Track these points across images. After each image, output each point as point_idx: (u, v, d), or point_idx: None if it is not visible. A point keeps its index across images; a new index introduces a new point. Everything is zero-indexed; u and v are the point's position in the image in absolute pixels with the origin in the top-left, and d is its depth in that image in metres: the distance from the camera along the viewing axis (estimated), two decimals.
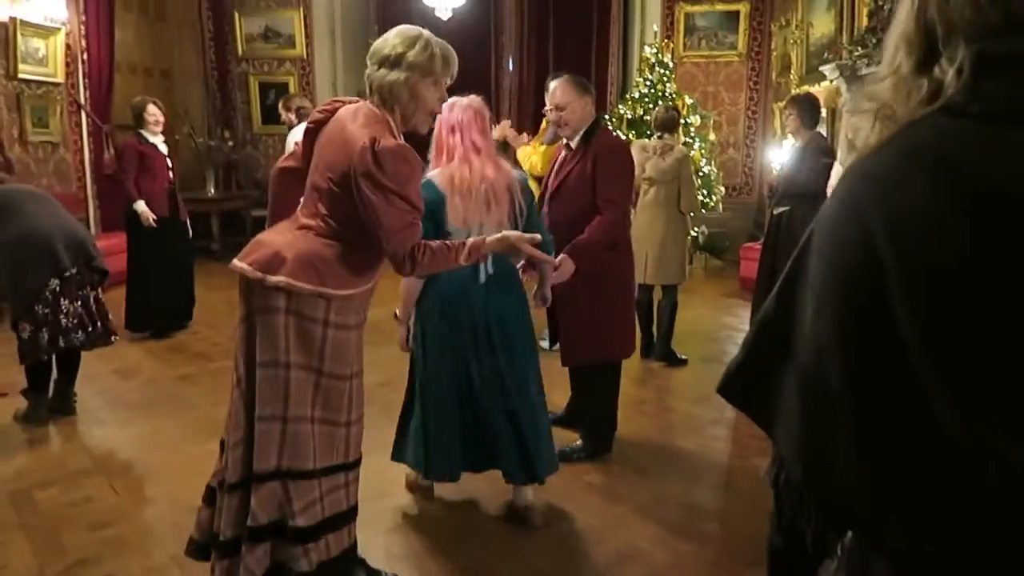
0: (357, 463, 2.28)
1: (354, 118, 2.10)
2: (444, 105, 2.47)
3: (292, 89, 9.73)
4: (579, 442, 3.46)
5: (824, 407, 0.93)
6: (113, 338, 3.99)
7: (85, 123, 7.53)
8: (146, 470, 3.34)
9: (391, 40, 2.11)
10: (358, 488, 2.30)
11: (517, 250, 2.19)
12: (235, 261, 2.12)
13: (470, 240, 2.16)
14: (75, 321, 3.73)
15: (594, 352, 3.33)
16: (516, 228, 2.61)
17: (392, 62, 2.08)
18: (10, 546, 2.68)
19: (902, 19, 0.96)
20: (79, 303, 3.75)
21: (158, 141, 5.47)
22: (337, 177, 2.05)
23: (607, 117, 8.67)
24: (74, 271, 3.71)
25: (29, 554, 2.63)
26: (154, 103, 5.45)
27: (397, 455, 2.98)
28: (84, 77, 7.44)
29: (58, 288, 3.65)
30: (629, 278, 3.47)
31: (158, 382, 4.53)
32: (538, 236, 2.25)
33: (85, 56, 7.40)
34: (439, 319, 2.72)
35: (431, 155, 2.76)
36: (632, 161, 3.38)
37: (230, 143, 9.53)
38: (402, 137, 2.13)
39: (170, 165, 5.50)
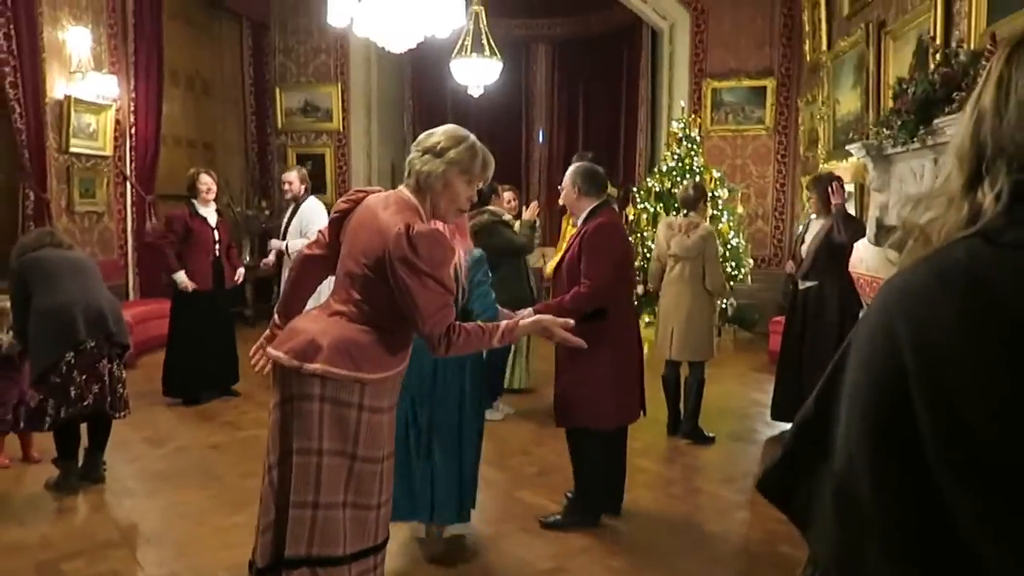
0: (385, 543, 2.32)
1: (386, 206, 2.20)
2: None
3: (329, 160, 10.05)
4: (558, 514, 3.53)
5: (854, 513, 0.94)
6: (123, 413, 4.01)
7: (130, 193, 7.82)
8: (172, 542, 3.36)
9: (439, 135, 2.27)
10: (384, 567, 2.32)
11: (551, 334, 2.29)
12: (270, 349, 2.20)
13: (504, 323, 2.24)
14: (84, 392, 3.80)
15: (580, 416, 3.45)
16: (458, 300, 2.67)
17: (436, 153, 2.22)
18: None
19: (959, 133, 0.95)
20: (92, 376, 3.83)
21: (209, 212, 5.67)
22: (372, 263, 2.13)
23: (635, 190, 8.79)
24: (91, 344, 3.81)
25: None
26: (207, 173, 5.69)
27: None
28: (131, 150, 7.76)
29: (72, 360, 3.75)
30: (626, 348, 3.46)
31: (188, 451, 4.58)
32: (571, 321, 2.35)
33: (133, 130, 7.74)
34: None
35: None
36: (617, 239, 3.43)
37: (267, 212, 9.80)
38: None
39: (217, 238, 5.67)
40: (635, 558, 3.24)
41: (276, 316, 2.45)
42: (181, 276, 5.51)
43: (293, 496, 2.12)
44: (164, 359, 5.65)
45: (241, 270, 5.84)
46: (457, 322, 2.16)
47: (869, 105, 6.51)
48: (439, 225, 2.23)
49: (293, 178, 6.08)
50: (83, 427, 3.98)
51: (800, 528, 1.14)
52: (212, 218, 5.69)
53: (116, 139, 7.55)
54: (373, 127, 10.13)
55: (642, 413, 3.64)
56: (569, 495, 3.55)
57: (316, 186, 9.80)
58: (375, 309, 2.16)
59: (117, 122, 7.52)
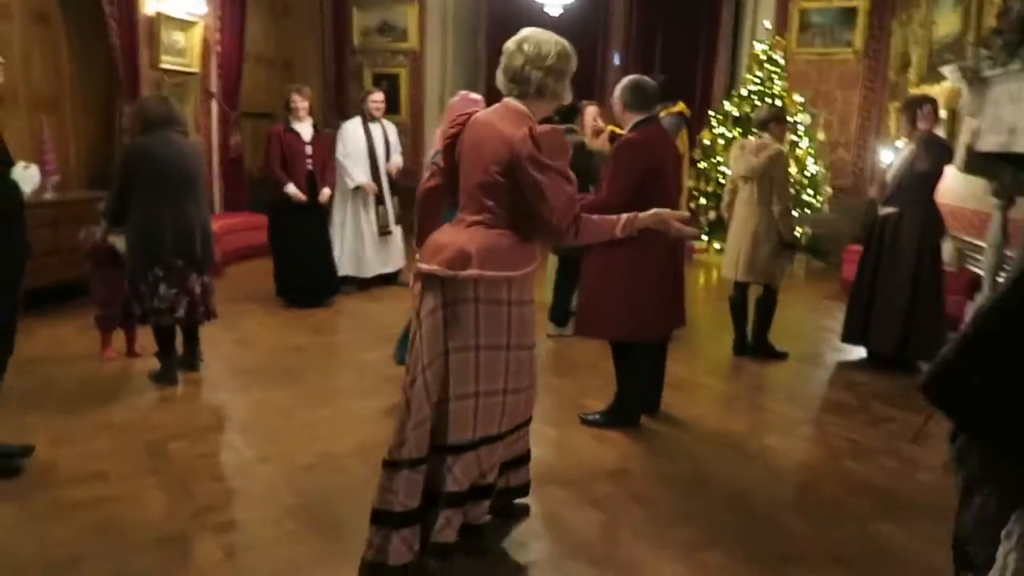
0: (530, 419, 2.67)
1: (501, 117, 2.41)
2: (458, 95, 3.44)
3: (404, 80, 10.11)
4: (599, 410, 3.78)
5: None
6: (211, 320, 4.36)
7: (215, 110, 8.09)
8: (263, 431, 3.64)
9: (551, 49, 2.40)
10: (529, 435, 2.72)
11: (668, 225, 2.51)
12: (421, 264, 2.42)
13: (625, 215, 2.45)
14: (174, 305, 4.12)
15: (602, 329, 3.63)
16: None
17: (557, 72, 2.40)
18: (146, 491, 3.00)
19: None
20: (182, 290, 4.13)
21: (303, 127, 5.88)
22: (502, 168, 2.33)
23: (712, 114, 8.59)
24: (179, 262, 4.10)
25: (164, 498, 2.95)
26: (298, 91, 5.88)
27: None
28: (217, 67, 7.98)
29: (162, 275, 4.07)
30: (648, 263, 3.46)
31: (274, 353, 4.87)
32: (686, 213, 2.65)
33: (219, 48, 7.94)
34: None
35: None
36: (641, 158, 3.39)
37: None
38: None
39: (310, 152, 5.86)
40: (695, 465, 3.37)
41: (418, 252, 2.61)
42: (292, 188, 5.75)
43: (456, 389, 2.36)
44: (274, 269, 6.02)
45: (326, 191, 5.99)
46: (581, 213, 2.37)
47: (970, 26, 6.16)
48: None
49: (382, 98, 6.53)
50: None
51: (963, 427, 1.23)
52: (307, 133, 5.88)
53: (203, 56, 7.77)
54: (448, 48, 10.11)
55: (672, 332, 3.84)
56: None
57: (391, 106, 9.96)
58: (509, 212, 2.37)
59: (204, 40, 7.73)
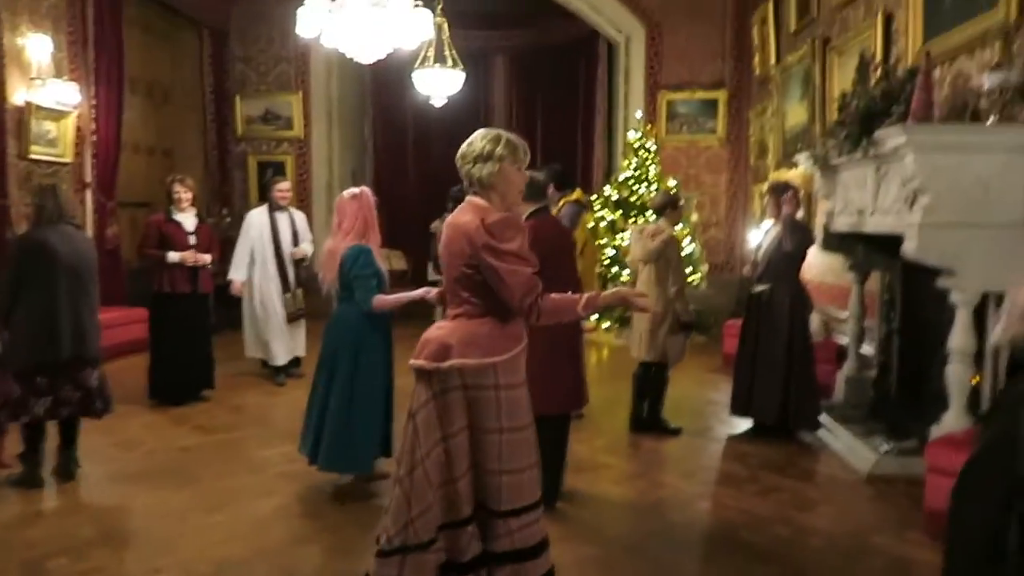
0: (540, 501, 2.62)
1: (463, 213, 2.55)
2: (350, 193, 3.93)
3: (290, 168, 10.08)
4: None
5: None
6: (109, 412, 4.19)
7: (90, 200, 7.76)
8: (154, 541, 3.41)
9: (478, 142, 2.57)
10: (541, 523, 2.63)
11: (629, 302, 2.68)
12: (411, 360, 2.57)
13: (588, 294, 2.57)
14: (67, 397, 3.96)
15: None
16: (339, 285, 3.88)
17: (485, 157, 2.54)
18: None
19: None
20: (75, 384, 3.98)
21: (185, 218, 5.75)
22: (467, 261, 2.48)
23: (594, 198, 9.03)
24: (74, 359, 3.94)
25: None
26: (179, 181, 5.78)
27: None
28: (92, 157, 7.71)
29: (55, 371, 3.90)
30: (561, 339, 3.55)
31: (161, 454, 4.61)
32: (645, 292, 3.00)
33: (94, 137, 7.69)
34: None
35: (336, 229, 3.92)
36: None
37: (227, 219, 9.78)
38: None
39: (192, 242, 5.71)
40: (608, 548, 3.41)
41: None
42: (174, 255, 5.58)
43: (453, 472, 2.48)
44: (149, 365, 5.74)
45: (207, 257, 5.76)
46: (544, 294, 2.47)
47: (815, 117, 6.85)
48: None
49: (288, 187, 6.63)
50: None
51: None
52: (189, 223, 5.75)
53: (77, 146, 7.49)
54: (334, 135, 10.21)
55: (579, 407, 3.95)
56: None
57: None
58: (485, 301, 2.50)
59: (78, 129, 7.47)
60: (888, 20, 5.49)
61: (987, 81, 3.84)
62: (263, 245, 6.31)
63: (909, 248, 3.95)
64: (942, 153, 3.83)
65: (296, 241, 6.44)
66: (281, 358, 6.45)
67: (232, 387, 6.17)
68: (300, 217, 6.65)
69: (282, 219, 6.40)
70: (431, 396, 2.49)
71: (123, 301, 7.77)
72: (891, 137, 4.02)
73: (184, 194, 5.70)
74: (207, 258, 5.77)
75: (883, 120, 4.28)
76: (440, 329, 2.56)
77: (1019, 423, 2.10)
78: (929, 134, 3.89)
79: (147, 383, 5.73)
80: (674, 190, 8.39)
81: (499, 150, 2.53)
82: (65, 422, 4.08)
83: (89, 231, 7.73)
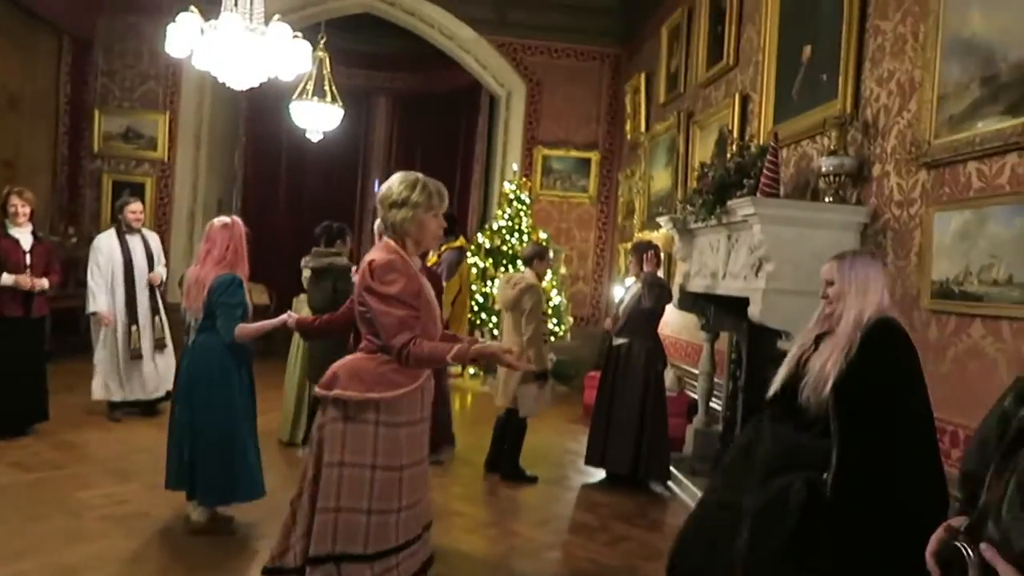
0: (408, 544, 2.63)
1: (372, 252, 2.63)
2: (221, 221, 3.77)
3: (150, 190, 9.54)
4: None
5: None
6: None
7: None
8: None
9: (395, 187, 2.65)
10: (409, 565, 2.64)
11: (498, 360, 2.71)
12: (316, 388, 2.66)
13: (458, 345, 2.60)
14: None
15: None
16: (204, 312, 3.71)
17: (400, 203, 2.62)
18: None
19: None
20: None
21: (22, 234, 5.28)
22: (359, 299, 2.58)
23: (470, 246, 9.08)
24: None
25: None
26: (18, 194, 5.30)
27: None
28: None
29: None
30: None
31: None
32: (514, 349, 3.07)
33: None
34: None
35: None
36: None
37: (74, 239, 9.09)
38: (416, 258, 2.69)
39: (29, 262, 5.25)
40: None
41: None
42: (6, 276, 5.09)
43: (320, 502, 2.50)
44: None
45: (44, 282, 5.31)
46: (417, 339, 2.52)
47: (678, 183, 7.24)
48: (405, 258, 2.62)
49: (140, 208, 6.17)
50: None
51: None
52: (26, 241, 5.28)
53: None
54: (202, 160, 9.77)
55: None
56: None
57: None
58: (377, 337, 2.56)
59: None
60: (745, 102, 5.92)
61: (824, 164, 4.20)
62: (113, 271, 5.84)
63: (754, 311, 4.20)
64: (784, 226, 4.13)
65: (151, 266, 6.04)
66: (127, 394, 5.92)
67: (64, 421, 5.63)
68: (154, 239, 6.23)
69: (134, 242, 5.98)
70: (323, 422, 2.58)
71: None
72: (741, 207, 4.29)
73: (21, 208, 5.24)
74: (44, 283, 5.31)
75: (736, 191, 4.57)
76: (341, 361, 2.64)
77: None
78: (774, 208, 4.18)
79: None
80: (545, 242, 8.59)
81: (414, 196, 2.61)
82: None
83: None
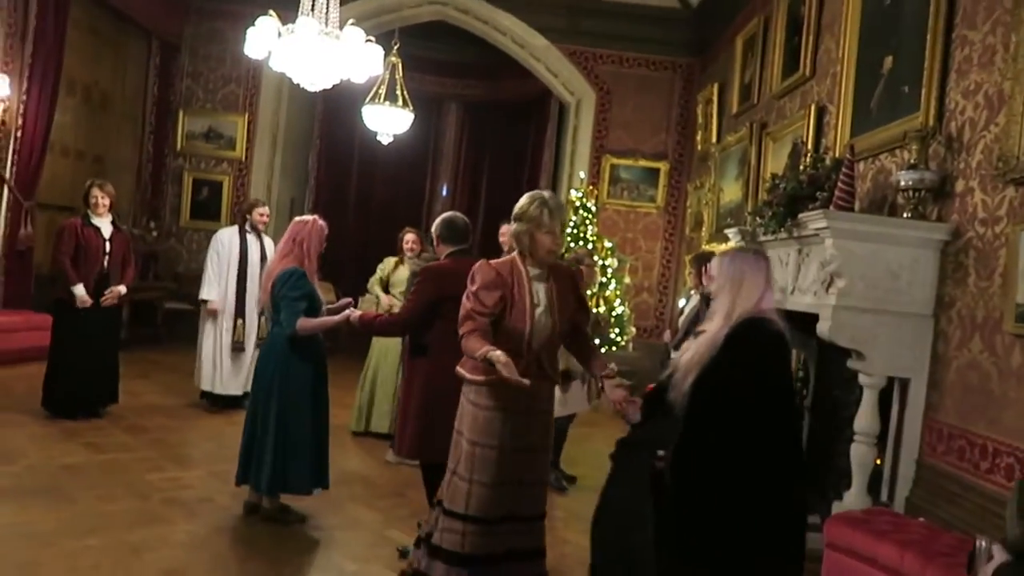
0: (483, 521, 2.91)
1: None
2: (301, 219, 3.99)
3: (227, 188, 9.87)
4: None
5: None
6: None
7: (6, 197, 7.42)
8: (12, 563, 3.15)
9: (522, 201, 2.97)
10: (483, 542, 2.92)
11: (504, 379, 2.76)
12: None
13: (487, 348, 2.78)
14: None
15: (401, 446, 3.68)
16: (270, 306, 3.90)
17: (518, 217, 2.95)
18: None
19: None
20: None
21: (102, 223, 5.51)
22: None
23: None
24: None
25: None
26: (98, 186, 5.53)
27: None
28: (14, 153, 7.39)
29: None
30: (436, 385, 3.45)
31: (39, 470, 4.32)
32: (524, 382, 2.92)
33: (19, 133, 7.39)
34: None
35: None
36: (425, 281, 3.58)
37: (154, 233, 9.48)
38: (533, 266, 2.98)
39: (108, 250, 5.48)
40: None
41: None
42: (79, 290, 5.31)
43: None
44: (45, 375, 5.43)
45: (120, 288, 5.57)
46: (474, 332, 2.85)
47: (748, 195, 7.08)
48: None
49: (267, 211, 6.41)
50: None
51: None
52: (106, 229, 5.51)
53: None
54: (277, 161, 10.05)
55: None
56: (420, 523, 3.59)
57: (212, 213, 9.67)
58: None
59: (2, 123, 7.17)
60: (820, 113, 5.76)
61: (904, 179, 4.03)
62: (229, 267, 6.05)
63: (823, 328, 4.06)
64: (858, 241, 3.98)
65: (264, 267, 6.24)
66: (225, 387, 6.06)
67: (137, 407, 5.86)
68: (271, 244, 6.32)
69: (253, 243, 6.15)
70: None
71: (28, 305, 7.39)
72: (813, 221, 4.16)
73: (101, 199, 5.47)
74: (122, 290, 5.56)
75: (808, 204, 4.44)
76: None
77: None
78: (848, 222, 4.04)
79: (42, 392, 5.41)
80: (609, 252, 8.52)
81: (531, 211, 2.91)
82: None
83: (0, 229, 7.39)
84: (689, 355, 2.42)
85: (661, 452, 2.35)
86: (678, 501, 2.25)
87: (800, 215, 4.36)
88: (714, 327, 2.40)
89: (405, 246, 5.89)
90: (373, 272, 6.06)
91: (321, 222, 3.99)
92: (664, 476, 2.29)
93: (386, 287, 5.92)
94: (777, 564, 2.22)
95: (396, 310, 3.78)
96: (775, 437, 2.30)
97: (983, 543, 1.70)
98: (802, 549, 2.34)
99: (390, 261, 6.00)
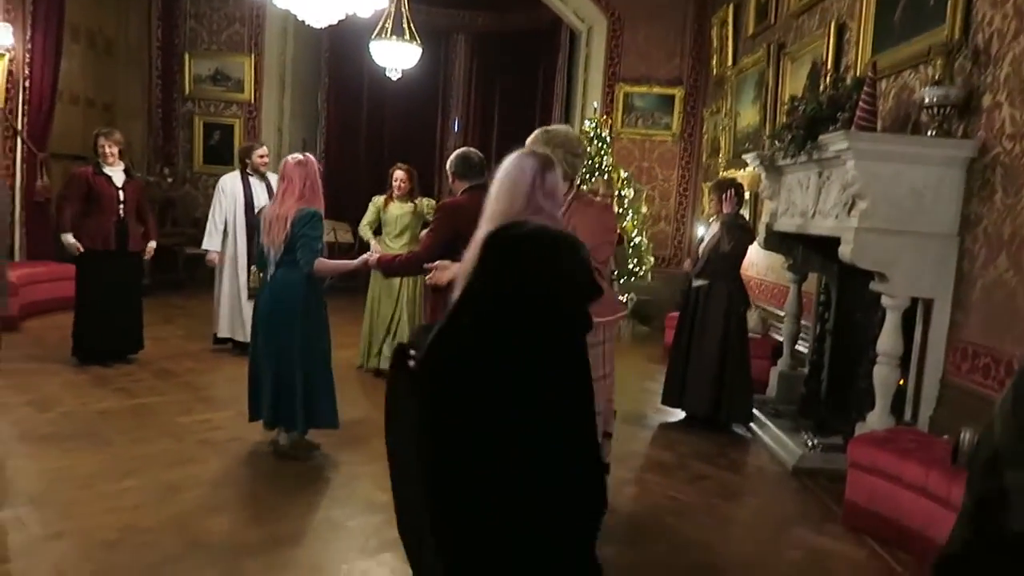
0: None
1: None
2: (295, 159, 3.87)
3: (238, 132, 9.80)
4: None
5: None
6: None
7: (20, 149, 7.42)
8: (57, 504, 3.27)
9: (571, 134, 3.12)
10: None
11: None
12: None
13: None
14: None
15: None
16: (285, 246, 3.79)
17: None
18: None
19: None
20: None
21: (115, 171, 5.50)
22: None
23: None
24: None
25: None
26: (105, 135, 5.50)
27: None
28: (24, 104, 7.36)
29: None
30: None
31: (76, 416, 4.43)
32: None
33: (27, 83, 7.34)
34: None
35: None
36: (444, 217, 3.56)
37: (169, 180, 9.48)
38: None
39: (122, 198, 5.49)
40: None
41: None
42: (68, 238, 5.37)
43: None
44: (73, 323, 5.53)
45: (152, 244, 5.69)
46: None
47: (766, 119, 6.93)
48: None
49: (267, 152, 6.31)
50: None
51: None
52: (118, 178, 5.51)
53: (8, 91, 7.14)
54: (286, 101, 9.94)
55: None
56: None
57: (225, 157, 9.63)
58: None
59: (9, 73, 7.12)
60: (840, 31, 5.56)
61: (928, 96, 3.92)
62: (236, 213, 6.02)
63: (845, 251, 4.02)
64: (881, 161, 3.90)
65: None
66: (247, 333, 6.08)
67: (164, 352, 5.98)
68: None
69: (258, 186, 6.09)
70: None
71: (51, 256, 7.47)
72: (834, 142, 4.07)
73: (109, 149, 5.44)
74: (152, 245, 5.68)
75: (828, 126, 4.34)
76: None
77: None
78: (870, 142, 3.95)
79: (72, 341, 5.52)
80: (625, 182, 8.42)
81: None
82: None
83: (17, 181, 7.41)
84: (461, 264, 2.29)
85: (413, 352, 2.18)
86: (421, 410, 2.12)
87: (820, 137, 4.27)
88: (479, 233, 2.24)
89: (394, 183, 5.81)
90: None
91: (314, 160, 3.96)
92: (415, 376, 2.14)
93: (379, 227, 5.91)
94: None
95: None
96: (519, 343, 2.10)
97: (967, 435, 1.64)
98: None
99: (379, 200, 5.92)
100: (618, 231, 5.46)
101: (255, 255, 5.98)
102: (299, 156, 3.95)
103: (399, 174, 5.84)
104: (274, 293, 3.88)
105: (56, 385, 4.99)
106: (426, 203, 5.91)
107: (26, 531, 3.00)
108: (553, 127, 3.11)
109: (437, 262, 3.20)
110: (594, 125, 8.71)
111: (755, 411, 5.15)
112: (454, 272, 3.08)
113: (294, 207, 3.79)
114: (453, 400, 2.07)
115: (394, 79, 8.34)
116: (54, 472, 3.61)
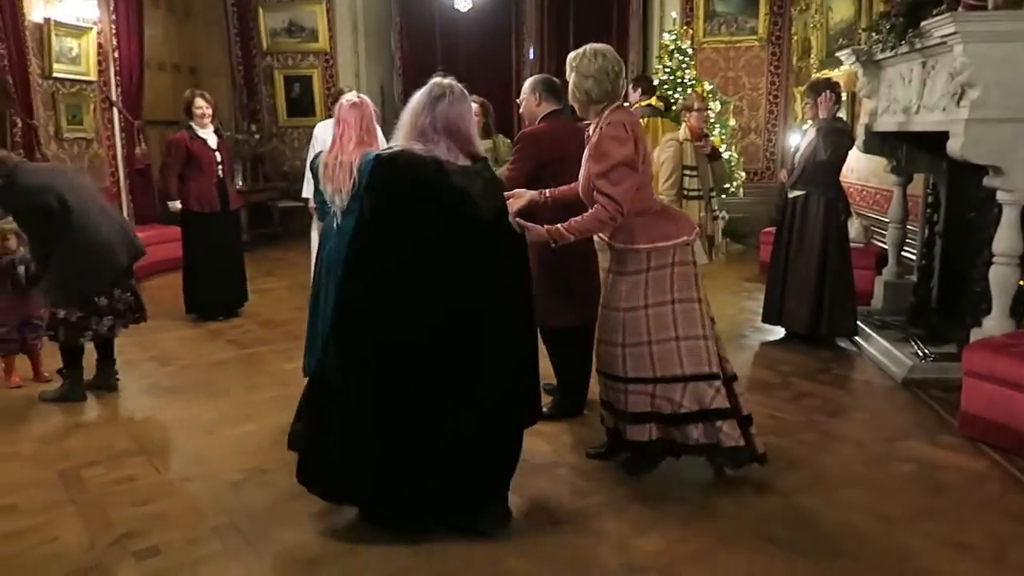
0: (723, 376, 3.10)
1: None
2: (350, 101, 3.64)
3: (317, 82, 9.91)
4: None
5: None
6: (145, 316, 4.33)
7: (117, 119, 7.76)
8: (186, 451, 3.53)
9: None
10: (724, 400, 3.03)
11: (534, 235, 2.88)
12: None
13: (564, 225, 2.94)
14: (125, 307, 4.13)
15: (539, 319, 3.43)
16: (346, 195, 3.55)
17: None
18: (62, 521, 2.86)
19: None
20: (126, 289, 4.14)
21: (208, 134, 5.68)
22: None
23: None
24: (128, 264, 4.11)
25: (80, 528, 2.81)
26: (201, 96, 5.67)
27: None
28: (116, 75, 7.66)
29: (116, 282, 4.06)
30: (567, 256, 3.37)
31: (194, 368, 4.72)
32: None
33: (116, 54, 7.62)
34: None
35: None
36: (526, 147, 3.59)
37: (257, 136, 9.73)
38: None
39: (219, 159, 5.69)
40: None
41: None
42: (175, 205, 5.64)
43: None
44: (183, 282, 5.85)
45: (177, 204, 5.78)
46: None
47: (861, 11, 6.44)
48: None
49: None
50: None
51: None
52: (212, 140, 5.70)
53: (100, 63, 7.44)
54: (361, 47, 9.95)
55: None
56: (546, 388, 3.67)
57: (304, 109, 9.77)
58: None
59: (99, 46, 7.40)
60: None
61: None
62: None
63: (955, 146, 3.74)
64: (994, 43, 3.57)
65: None
66: None
67: (264, 303, 6.27)
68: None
69: None
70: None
71: (155, 219, 7.87)
72: (939, 27, 3.74)
73: (206, 108, 5.61)
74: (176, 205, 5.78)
75: (932, 10, 3.98)
76: None
77: None
78: (980, 23, 3.61)
79: (183, 299, 5.85)
80: (710, 95, 8.05)
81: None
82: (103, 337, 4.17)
83: (118, 150, 7.78)
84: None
85: None
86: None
87: (923, 23, 3.94)
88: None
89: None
90: None
91: (370, 102, 3.76)
92: None
93: None
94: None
95: None
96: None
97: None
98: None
99: None
100: (710, 144, 5.26)
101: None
102: (354, 98, 3.73)
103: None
104: (342, 244, 3.51)
105: (174, 340, 5.31)
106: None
107: (160, 476, 3.25)
108: (579, 50, 3.04)
109: (514, 190, 3.19)
110: (674, 37, 8.33)
111: (859, 323, 4.94)
112: (530, 198, 3.13)
113: (356, 152, 3.57)
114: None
115: (463, 10, 8.19)
116: (180, 421, 3.88)
